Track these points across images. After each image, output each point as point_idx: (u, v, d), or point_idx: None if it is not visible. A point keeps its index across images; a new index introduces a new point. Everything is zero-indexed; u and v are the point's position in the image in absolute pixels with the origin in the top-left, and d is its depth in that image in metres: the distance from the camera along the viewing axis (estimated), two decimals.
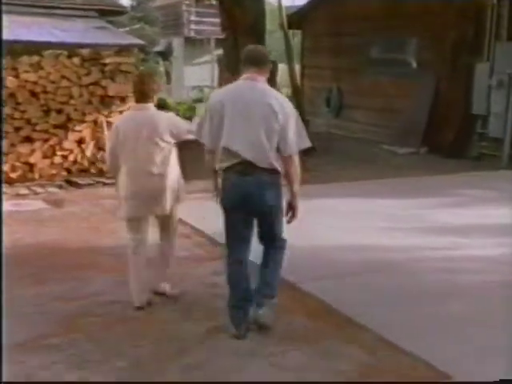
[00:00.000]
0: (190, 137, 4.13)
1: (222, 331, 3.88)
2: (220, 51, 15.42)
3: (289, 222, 3.90)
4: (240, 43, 11.10)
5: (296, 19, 15.14)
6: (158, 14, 24.85)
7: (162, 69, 20.39)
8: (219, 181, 3.81)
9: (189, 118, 8.40)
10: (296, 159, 3.75)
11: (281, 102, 3.69)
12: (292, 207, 3.84)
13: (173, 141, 4.16)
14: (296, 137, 3.70)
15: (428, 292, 4.64)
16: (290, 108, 3.74)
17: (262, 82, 3.72)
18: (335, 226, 6.36)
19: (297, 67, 14.39)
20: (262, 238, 3.89)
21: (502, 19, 10.77)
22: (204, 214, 5.72)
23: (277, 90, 4.10)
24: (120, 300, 4.37)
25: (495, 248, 5.64)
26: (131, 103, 4.70)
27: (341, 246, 5.65)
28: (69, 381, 3.40)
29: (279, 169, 3.69)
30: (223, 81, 11.49)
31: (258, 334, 3.85)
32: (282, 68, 13.56)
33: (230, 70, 11.28)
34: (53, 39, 8.49)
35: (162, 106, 12.59)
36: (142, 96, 4.14)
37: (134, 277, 4.23)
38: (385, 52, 13.37)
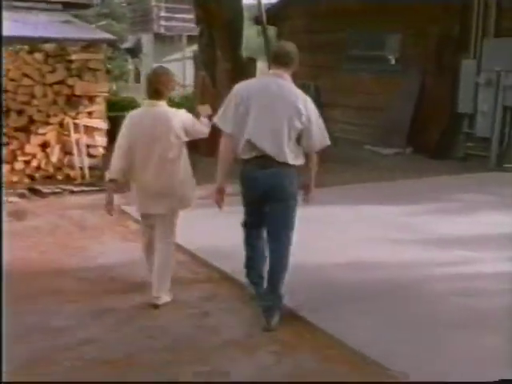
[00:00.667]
0: (204, 134, 4.19)
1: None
2: (192, 48, 14.76)
3: (305, 200, 4.09)
4: (216, 39, 10.49)
5: (270, 15, 14.49)
6: (125, 10, 24.02)
7: (130, 67, 19.60)
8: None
9: None
10: (315, 155, 3.95)
11: (305, 101, 3.80)
12: (307, 187, 4.06)
13: (186, 138, 4.11)
14: (318, 135, 3.84)
15: (450, 321, 4.02)
16: (313, 107, 3.84)
17: (288, 80, 3.84)
18: (331, 237, 5.79)
19: None
20: (272, 232, 3.91)
21: (489, 14, 10.34)
22: (190, 224, 5.02)
23: None
24: (93, 338, 3.65)
25: (508, 263, 5.12)
26: (144, 99, 4.56)
27: (339, 263, 5.07)
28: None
29: (297, 163, 3.81)
30: (199, 78, 10.85)
31: None
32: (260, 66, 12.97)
33: (206, 67, 10.65)
34: (13, 33, 7.74)
35: (132, 105, 11.91)
36: (155, 93, 4.07)
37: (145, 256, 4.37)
38: (365, 48, 12.88)
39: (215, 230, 5.65)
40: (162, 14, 20.83)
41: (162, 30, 21.12)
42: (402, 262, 5.20)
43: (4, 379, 3.03)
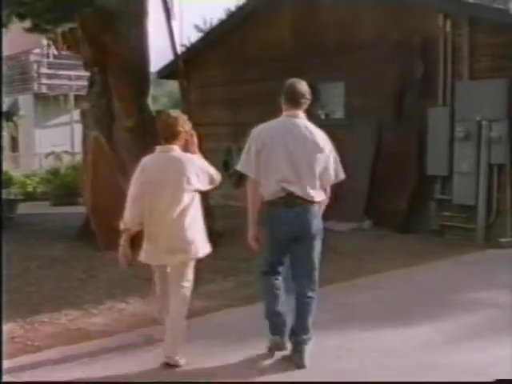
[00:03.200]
0: (217, 183, 4.05)
1: None
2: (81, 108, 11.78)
3: None
4: (113, 87, 7.69)
5: (174, 66, 11.91)
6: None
7: (4, 133, 16.16)
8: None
9: None
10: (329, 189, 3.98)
11: (324, 138, 3.87)
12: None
13: (199, 186, 3.95)
14: (334, 169, 3.89)
15: None
16: (330, 143, 3.88)
17: (303, 118, 3.88)
18: None
19: None
20: (298, 278, 3.88)
21: (460, 52, 8.30)
22: None
23: None
24: None
25: None
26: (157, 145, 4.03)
27: None
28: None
29: (320, 200, 3.84)
30: (90, 140, 7.92)
31: None
32: None
33: (99, 125, 7.75)
34: None
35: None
36: (172, 137, 3.94)
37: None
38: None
39: None
40: (44, 70, 17.74)
41: (44, 90, 17.98)
42: None
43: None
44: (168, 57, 12.27)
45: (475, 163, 8.08)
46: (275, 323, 3.94)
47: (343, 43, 9.40)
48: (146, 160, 3.98)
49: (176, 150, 3.92)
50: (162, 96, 29.38)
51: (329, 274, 6.17)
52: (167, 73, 12.10)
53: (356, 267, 6.66)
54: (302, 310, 3.84)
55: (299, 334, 3.83)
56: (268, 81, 10.73)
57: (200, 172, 3.91)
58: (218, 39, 11.66)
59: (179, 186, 3.82)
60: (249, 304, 5.10)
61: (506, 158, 7.88)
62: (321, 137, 3.82)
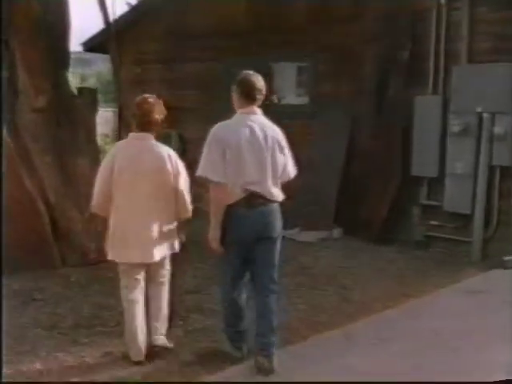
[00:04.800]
0: (185, 185, 3.77)
1: None
2: None
3: None
4: (18, 52, 5.77)
5: (104, 39, 9.93)
6: None
7: None
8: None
9: None
10: None
11: (280, 133, 3.75)
12: None
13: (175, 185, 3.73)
14: (291, 164, 3.80)
15: None
16: (283, 136, 3.78)
17: (260, 114, 3.72)
18: None
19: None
20: (258, 277, 3.73)
21: (458, 29, 6.85)
22: None
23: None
24: None
25: None
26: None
27: None
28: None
29: (280, 199, 3.74)
30: None
31: None
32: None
33: None
34: None
35: None
36: (144, 124, 3.74)
37: (128, 328, 3.73)
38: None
39: None
40: None
41: None
42: None
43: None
44: (96, 30, 10.42)
45: (473, 164, 6.67)
46: (238, 338, 3.83)
47: (313, 15, 7.78)
48: (117, 145, 3.87)
49: (151, 138, 3.76)
50: (90, 76, 27.20)
51: (305, 314, 4.63)
52: (95, 44, 10.16)
53: (337, 300, 5.08)
54: (266, 311, 3.69)
55: (267, 335, 3.65)
56: (216, 60, 9.06)
57: (174, 165, 3.71)
58: (155, 7, 9.78)
59: (153, 176, 3.65)
60: None
61: (511, 158, 6.52)
62: (280, 134, 3.74)
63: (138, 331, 3.67)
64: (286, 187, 3.73)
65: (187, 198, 3.76)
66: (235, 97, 3.68)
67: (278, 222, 3.74)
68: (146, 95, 3.84)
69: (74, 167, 5.59)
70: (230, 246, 3.64)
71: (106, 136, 15.39)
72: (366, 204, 7.36)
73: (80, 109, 5.73)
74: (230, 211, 3.57)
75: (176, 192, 3.70)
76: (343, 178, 7.58)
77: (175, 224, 3.80)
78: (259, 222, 3.61)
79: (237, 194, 3.55)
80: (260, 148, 3.59)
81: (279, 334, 3.74)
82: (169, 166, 3.67)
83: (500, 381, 3.14)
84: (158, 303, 3.83)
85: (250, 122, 3.62)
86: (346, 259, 6.54)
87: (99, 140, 14.28)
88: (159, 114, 3.77)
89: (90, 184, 5.72)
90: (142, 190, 3.63)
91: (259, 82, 3.68)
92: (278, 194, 3.71)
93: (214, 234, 3.60)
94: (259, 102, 3.68)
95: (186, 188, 3.75)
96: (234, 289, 3.74)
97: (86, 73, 30.83)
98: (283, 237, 7.09)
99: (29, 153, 5.36)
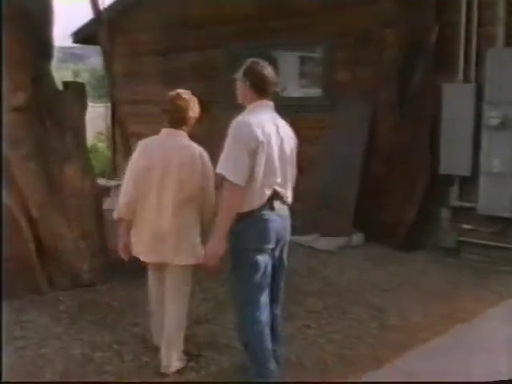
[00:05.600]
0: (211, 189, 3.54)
1: None
2: None
3: None
4: None
5: (95, 27, 9.05)
6: None
7: None
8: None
9: None
10: None
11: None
12: None
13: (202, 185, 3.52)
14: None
15: None
16: None
17: (272, 106, 3.32)
18: None
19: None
20: (276, 285, 3.31)
21: (493, 8, 6.07)
22: None
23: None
24: None
25: None
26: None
27: None
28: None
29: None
30: None
31: None
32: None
33: None
34: None
35: None
36: (177, 121, 3.54)
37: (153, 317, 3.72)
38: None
39: None
40: None
41: None
42: None
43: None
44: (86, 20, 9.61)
45: None
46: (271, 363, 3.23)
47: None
48: (148, 141, 3.66)
49: (184, 136, 3.61)
50: (84, 71, 26.46)
51: (340, 346, 3.91)
52: (85, 35, 9.36)
53: (374, 326, 4.32)
54: (276, 325, 3.35)
55: (277, 346, 3.33)
56: (216, 48, 8.30)
57: (205, 167, 3.51)
58: None
59: (183, 176, 3.46)
60: None
61: None
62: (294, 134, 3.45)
63: (152, 328, 3.73)
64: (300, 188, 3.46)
65: (214, 200, 3.53)
66: (244, 89, 3.25)
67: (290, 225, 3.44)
68: (181, 90, 3.58)
69: (60, 175, 4.79)
70: (249, 257, 3.11)
71: (100, 134, 14.61)
72: (389, 206, 6.61)
73: (66, 106, 4.93)
74: (253, 215, 3.11)
75: (204, 194, 3.52)
76: (363, 176, 6.81)
77: (199, 228, 3.56)
78: (282, 227, 3.27)
79: (264, 197, 3.15)
80: (283, 147, 3.25)
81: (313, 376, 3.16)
82: (199, 167, 3.48)
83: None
84: (168, 323, 3.54)
85: (273, 118, 3.27)
86: (372, 271, 5.80)
87: (92, 139, 13.59)
88: (193, 111, 3.57)
89: (80, 195, 5.03)
90: (170, 189, 3.46)
91: (271, 72, 3.29)
92: (291, 197, 3.41)
93: (217, 246, 3.06)
94: (270, 96, 3.32)
95: (213, 191, 3.56)
96: (260, 314, 3.13)
97: (79, 68, 30.01)
98: (300, 244, 6.60)
99: (7, 159, 4.57)
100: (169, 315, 3.53)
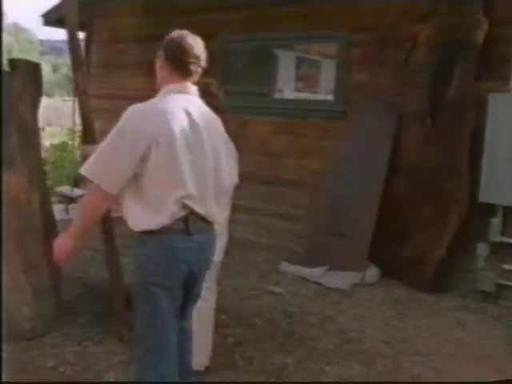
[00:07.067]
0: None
1: None
2: None
3: None
4: None
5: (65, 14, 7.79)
6: None
7: None
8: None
9: None
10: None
11: (221, 123, 2.77)
12: None
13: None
14: (235, 167, 3.09)
15: None
16: None
17: (196, 94, 2.66)
18: None
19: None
20: (186, 313, 2.77)
21: None
22: None
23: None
24: None
25: None
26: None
27: None
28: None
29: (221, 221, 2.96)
30: None
31: None
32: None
33: None
34: None
35: None
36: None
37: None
38: (268, 68, 6.81)
39: None
40: None
41: None
42: None
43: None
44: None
45: None
46: None
47: None
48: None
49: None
50: (64, 65, 25.36)
51: None
52: (57, 17, 8.11)
53: None
54: (189, 348, 2.83)
55: (189, 376, 2.81)
56: (208, 38, 7.07)
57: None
58: None
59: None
60: None
61: None
62: (221, 124, 2.73)
63: None
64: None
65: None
66: (161, 66, 2.60)
67: (215, 248, 2.81)
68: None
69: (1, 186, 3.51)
70: (150, 294, 2.51)
71: (72, 131, 13.30)
72: (414, 237, 5.45)
73: (12, 93, 3.66)
74: (158, 239, 2.47)
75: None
76: (383, 198, 5.63)
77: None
78: (199, 257, 2.61)
79: (166, 214, 2.46)
80: (201, 146, 2.54)
81: None
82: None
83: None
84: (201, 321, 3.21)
85: (186, 107, 2.53)
86: (398, 321, 4.62)
87: (65, 136, 12.27)
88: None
89: (24, 214, 3.75)
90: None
91: (198, 45, 2.61)
92: (219, 215, 2.78)
93: (68, 240, 2.54)
94: (195, 78, 2.65)
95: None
96: (166, 354, 2.56)
97: (59, 62, 28.75)
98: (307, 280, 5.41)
99: None
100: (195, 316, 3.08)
